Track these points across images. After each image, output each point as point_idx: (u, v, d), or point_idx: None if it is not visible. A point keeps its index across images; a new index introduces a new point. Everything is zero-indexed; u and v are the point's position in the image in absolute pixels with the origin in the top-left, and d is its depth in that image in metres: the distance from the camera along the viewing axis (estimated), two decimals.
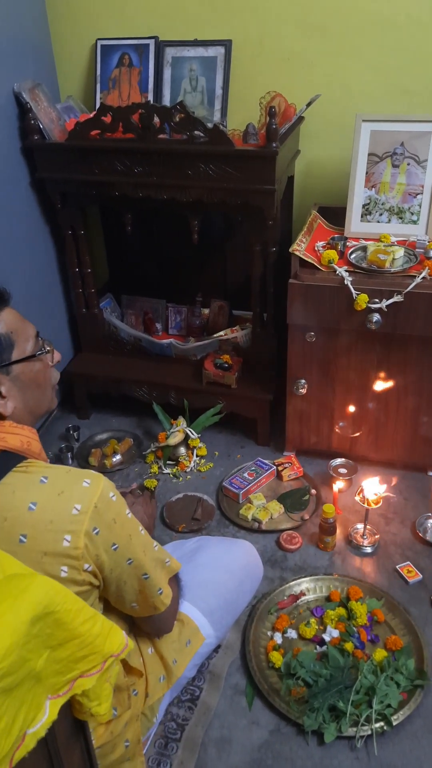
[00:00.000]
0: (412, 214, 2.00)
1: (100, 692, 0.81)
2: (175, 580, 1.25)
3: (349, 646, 1.59)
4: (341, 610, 1.69)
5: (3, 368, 1.04)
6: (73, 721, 0.85)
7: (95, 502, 0.97)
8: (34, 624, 0.69)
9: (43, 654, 0.72)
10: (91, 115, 1.98)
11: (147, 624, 1.22)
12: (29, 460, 1.02)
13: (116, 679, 1.15)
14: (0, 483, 0.96)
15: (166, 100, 2.21)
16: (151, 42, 2.17)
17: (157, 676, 1.30)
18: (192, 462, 2.28)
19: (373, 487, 1.88)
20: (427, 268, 1.82)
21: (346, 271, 1.85)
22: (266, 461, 2.22)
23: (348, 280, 1.81)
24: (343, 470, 2.13)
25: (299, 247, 1.95)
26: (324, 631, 1.66)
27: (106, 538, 0.99)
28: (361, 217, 2.05)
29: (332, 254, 1.88)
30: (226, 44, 2.12)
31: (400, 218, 2.02)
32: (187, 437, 2.29)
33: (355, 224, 2.05)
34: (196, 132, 1.87)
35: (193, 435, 2.29)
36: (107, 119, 1.93)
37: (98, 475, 1.02)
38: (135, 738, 1.23)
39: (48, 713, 0.74)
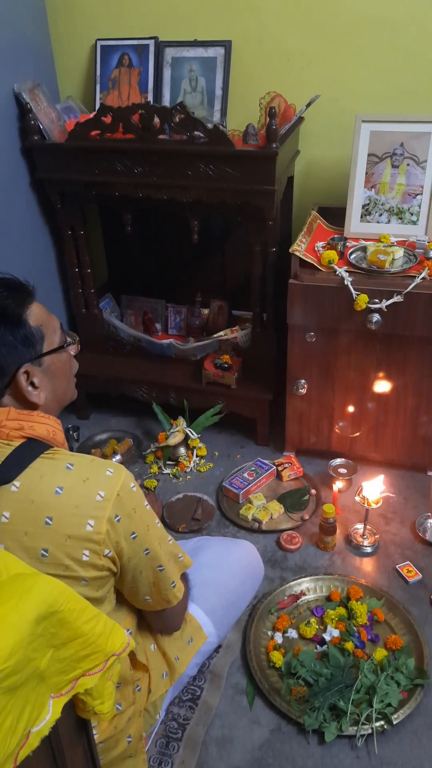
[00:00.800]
0: (412, 214, 2.01)
1: (103, 691, 0.82)
2: (185, 578, 1.28)
3: (349, 645, 1.60)
4: (341, 610, 1.70)
5: (36, 360, 1.06)
6: (76, 720, 0.85)
7: (118, 491, 1.01)
8: (38, 623, 0.69)
9: (47, 653, 0.72)
10: (91, 116, 1.98)
11: (157, 619, 1.24)
12: (55, 448, 1.04)
13: (122, 672, 1.16)
14: (29, 468, 0.99)
15: (166, 101, 2.21)
16: (151, 42, 2.18)
17: (160, 672, 1.30)
18: (192, 462, 2.29)
19: (373, 487, 1.88)
20: (426, 268, 1.83)
21: (346, 271, 1.85)
22: (266, 461, 2.22)
23: (348, 280, 1.82)
24: (342, 470, 2.13)
25: (299, 248, 1.96)
26: (324, 630, 1.66)
27: (126, 526, 1.02)
28: (361, 217, 2.05)
29: (332, 254, 1.88)
30: (226, 45, 2.12)
31: (400, 219, 2.02)
32: (186, 437, 2.30)
33: (354, 224, 2.05)
34: (196, 132, 1.88)
35: (193, 435, 2.29)
36: (107, 120, 1.93)
37: (120, 465, 1.05)
38: (138, 734, 1.23)
39: (51, 712, 0.74)
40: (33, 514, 0.96)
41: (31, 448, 1.01)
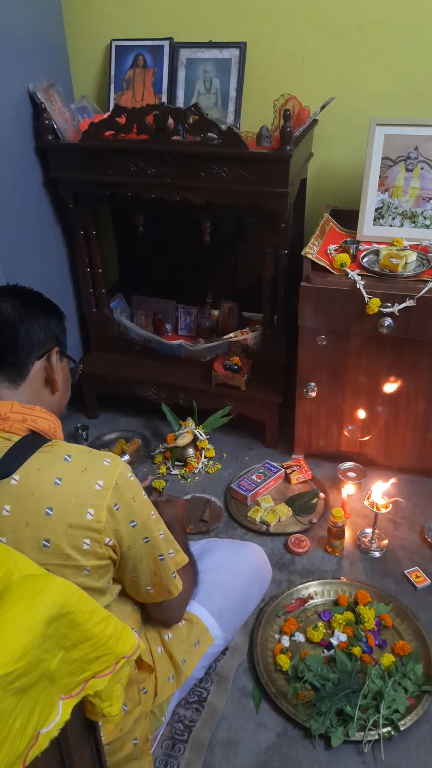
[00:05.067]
0: (425, 218, 2.00)
1: (112, 693, 0.81)
2: (191, 569, 1.31)
3: (356, 650, 1.59)
4: (349, 614, 1.69)
5: (63, 354, 1.18)
6: (84, 721, 0.85)
7: (116, 480, 1.02)
8: (49, 625, 0.69)
9: (57, 655, 0.72)
10: (105, 116, 1.98)
11: (158, 611, 1.26)
12: (52, 441, 1.07)
13: (126, 680, 1.16)
14: (28, 461, 1.00)
15: (180, 102, 2.21)
16: (166, 43, 2.18)
17: (167, 675, 1.30)
18: (200, 463, 2.28)
19: (382, 491, 1.87)
20: None
21: (358, 274, 1.85)
22: (275, 464, 2.22)
23: (360, 283, 1.81)
24: (352, 474, 2.13)
25: (311, 250, 1.95)
26: (332, 635, 1.65)
27: (125, 514, 1.04)
28: (374, 220, 2.04)
29: (344, 257, 1.88)
30: (241, 46, 2.12)
31: (413, 222, 2.01)
32: (195, 438, 2.30)
33: (367, 228, 2.05)
34: (209, 134, 1.88)
35: (202, 436, 2.29)
36: (121, 120, 1.93)
37: (117, 456, 1.07)
38: (143, 736, 1.23)
39: (61, 713, 0.74)
40: (33, 506, 0.97)
41: (31, 442, 1.03)
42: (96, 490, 1.00)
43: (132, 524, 1.05)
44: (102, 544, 1.01)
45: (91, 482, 1.00)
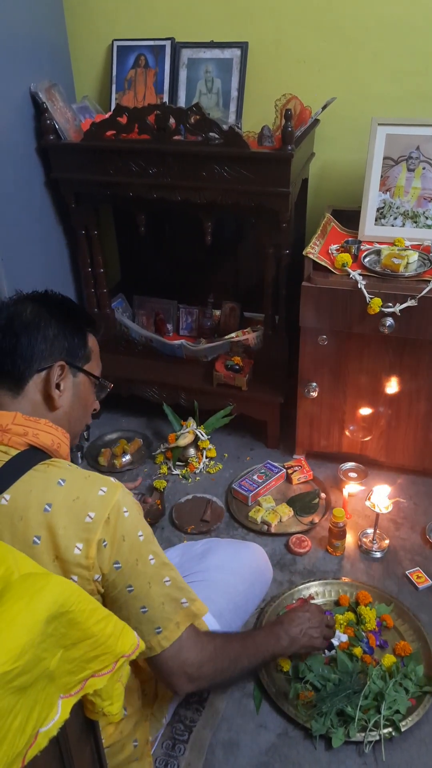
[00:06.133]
0: (427, 218, 2.00)
1: (112, 692, 0.81)
2: (212, 638, 1.15)
3: (357, 650, 1.58)
4: (350, 615, 1.69)
5: (74, 367, 1.12)
6: (84, 721, 0.85)
7: (108, 513, 0.95)
8: (49, 623, 0.69)
9: (56, 653, 0.72)
10: (107, 116, 1.98)
11: (152, 667, 1.12)
12: (52, 459, 1.01)
13: (126, 679, 1.15)
14: (19, 480, 0.95)
15: (182, 102, 2.21)
16: (168, 43, 2.18)
17: None
18: (201, 463, 2.28)
19: (384, 491, 1.87)
20: None
21: (359, 274, 1.84)
22: (276, 464, 2.22)
23: (362, 283, 1.81)
24: (353, 474, 2.12)
25: (313, 250, 1.95)
26: (333, 635, 1.65)
27: (110, 553, 0.96)
28: (376, 220, 2.04)
29: (346, 257, 1.88)
30: (243, 46, 2.12)
31: (415, 222, 2.01)
32: (196, 438, 2.29)
33: (369, 228, 2.05)
34: (211, 134, 1.88)
35: (203, 436, 2.29)
36: (123, 120, 1.93)
37: (117, 484, 0.99)
38: (143, 738, 1.23)
39: (60, 712, 0.74)
40: (21, 532, 0.92)
41: (27, 459, 0.97)
42: (86, 523, 0.93)
43: (116, 566, 0.96)
44: (90, 580, 0.94)
45: (81, 514, 0.93)
